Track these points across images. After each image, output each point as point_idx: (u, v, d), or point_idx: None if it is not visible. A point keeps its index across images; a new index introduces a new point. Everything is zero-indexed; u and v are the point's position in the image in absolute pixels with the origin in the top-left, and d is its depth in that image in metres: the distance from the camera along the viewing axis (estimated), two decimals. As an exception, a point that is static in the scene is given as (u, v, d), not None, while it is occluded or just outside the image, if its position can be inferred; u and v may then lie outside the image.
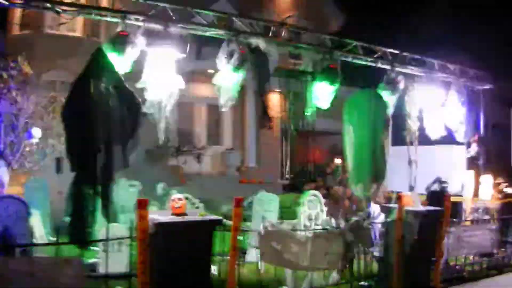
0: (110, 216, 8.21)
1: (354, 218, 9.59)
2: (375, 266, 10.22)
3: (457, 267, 11.06)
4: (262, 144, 20.26)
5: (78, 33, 14.99)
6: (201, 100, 19.25)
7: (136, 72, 8.62)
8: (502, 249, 12.45)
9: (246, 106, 19.20)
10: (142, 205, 6.86)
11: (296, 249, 8.51)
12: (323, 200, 11.99)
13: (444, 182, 12.95)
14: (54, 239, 9.81)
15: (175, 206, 7.64)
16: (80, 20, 14.35)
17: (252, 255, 10.16)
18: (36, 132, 12.94)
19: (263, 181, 19.06)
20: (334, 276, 9.35)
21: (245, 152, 20.20)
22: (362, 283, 9.61)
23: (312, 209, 11.78)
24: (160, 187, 13.35)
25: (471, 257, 11.63)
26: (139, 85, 8.71)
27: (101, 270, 8.94)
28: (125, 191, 12.14)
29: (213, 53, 12.24)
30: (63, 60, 14.65)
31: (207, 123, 20.13)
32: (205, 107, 19.91)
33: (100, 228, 8.73)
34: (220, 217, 7.87)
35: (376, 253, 10.40)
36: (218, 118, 20.50)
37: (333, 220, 9.70)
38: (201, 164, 17.76)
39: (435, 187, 12.84)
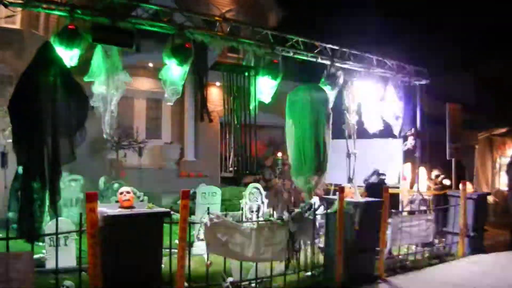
0: (57, 210, 8.18)
1: (296, 210, 9.80)
2: (320, 257, 10.46)
3: (400, 257, 11.45)
4: (201, 138, 20.35)
5: (17, 25, 14.64)
6: (140, 93, 19.19)
7: (83, 66, 8.62)
8: (443, 239, 12.98)
9: (186, 100, 19.21)
10: (91, 198, 6.90)
11: (241, 240, 8.69)
12: (264, 193, 12.18)
13: (382, 174, 13.36)
14: (-2, 235, 9.76)
15: (123, 199, 7.69)
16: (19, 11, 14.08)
17: (198, 248, 10.30)
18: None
19: (202, 175, 19.20)
20: (280, 266, 9.52)
21: (184, 145, 20.23)
22: (307, 273, 9.81)
23: (253, 202, 11.99)
24: (102, 181, 13.31)
25: (413, 247, 12.05)
26: (86, 78, 8.73)
27: (48, 265, 8.91)
28: (67, 186, 12.08)
29: (153, 47, 12.29)
30: (1, 52, 14.36)
31: (146, 116, 20.06)
32: (145, 100, 19.84)
33: (45, 223, 8.69)
34: (168, 209, 7.96)
35: (320, 244, 10.67)
36: (157, 112, 20.47)
37: (275, 212, 9.86)
38: (141, 157, 17.70)
39: (373, 179, 13.24)
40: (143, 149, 17.82)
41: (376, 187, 12.08)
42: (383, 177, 13.30)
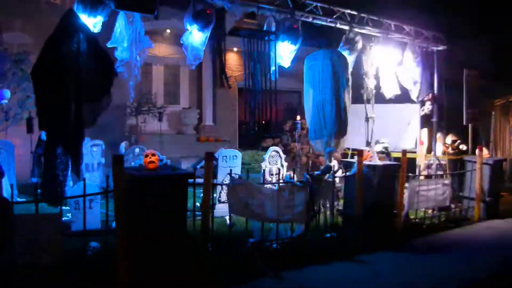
0: (80, 174, 8.37)
1: (316, 172, 9.94)
2: (339, 219, 10.62)
3: (416, 220, 11.58)
4: (220, 103, 20.49)
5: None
6: (158, 59, 19.31)
7: (106, 32, 8.75)
8: (459, 203, 13.09)
9: (204, 65, 19.30)
10: (117, 160, 7.05)
11: (262, 202, 8.82)
12: (283, 156, 12.33)
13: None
14: (23, 200, 10.00)
15: (148, 161, 7.83)
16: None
17: (220, 210, 10.51)
18: (6, 93, 12.86)
19: (220, 139, 19.39)
20: (300, 228, 9.70)
21: (202, 111, 20.37)
22: (327, 235, 9.97)
23: (273, 165, 12.14)
24: (123, 146, 13.47)
25: (429, 211, 12.20)
26: (109, 44, 8.88)
27: (73, 228, 9.11)
28: (89, 151, 12.28)
29: (171, 13, 12.37)
30: (21, 22, 14.46)
31: (164, 82, 20.18)
32: (163, 66, 19.95)
33: (68, 187, 8.87)
34: (191, 171, 8.11)
35: (339, 207, 10.83)
36: (175, 78, 20.59)
37: (294, 175, 10.00)
38: (161, 122, 17.88)
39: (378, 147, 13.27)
40: (162, 114, 17.96)
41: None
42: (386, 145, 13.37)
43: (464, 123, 14.30)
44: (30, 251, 6.28)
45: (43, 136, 10.95)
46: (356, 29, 11.93)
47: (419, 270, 8.80)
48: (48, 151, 8.33)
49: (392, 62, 12.89)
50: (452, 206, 12.75)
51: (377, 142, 13.29)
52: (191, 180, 7.98)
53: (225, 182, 8.96)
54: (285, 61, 11.37)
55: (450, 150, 14.79)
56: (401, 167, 10.61)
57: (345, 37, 11.81)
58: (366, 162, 10.28)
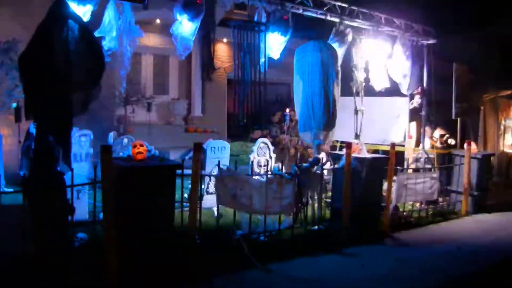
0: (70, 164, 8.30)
1: (305, 165, 9.95)
2: (327, 211, 10.65)
3: (404, 213, 11.65)
4: (209, 94, 20.42)
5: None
6: (147, 49, 19.19)
7: (95, 21, 8.67)
8: (447, 197, 13.17)
9: (193, 56, 19.21)
10: (106, 150, 7.02)
11: (250, 193, 8.84)
12: (272, 148, 12.32)
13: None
14: (10, 190, 9.93)
15: (137, 151, 7.82)
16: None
17: (207, 201, 10.49)
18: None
19: (209, 131, 19.34)
20: (288, 220, 9.75)
21: (191, 101, 20.32)
22: (314, 227, 10.02)
23: (262, 156, 12.13)
24: (111, 136, 13.41)
25: (417, 205, 12.29)
26: (97, 34, 8.80)
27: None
28: (77, 141, 12.20)
29: (161, 3, 12.29)
30: (10, 10, 14.31)
31: (153, 72, 20.09)
32: (152, 56, 19.86)
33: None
34: (179, 162, 8.10)
35: (327, 199, 10.86)
36: (164, 68, 20.50)
37: (283, 167, 10.02)
38: (149, 113, 17.82)
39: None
40: (151, 105, 17.91)
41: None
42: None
43: (453, 117, 14.33)
44: (16, 241, 6.24)
45: (32, 129, 10.87)
46: (346, 22, 11.89)
47: (405, 262, 8.85)
48: (36, 141, 8.23)
49: (382, 55, 12.89)
50: (440, 200, 12.83)
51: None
52: (179, 171, 7.94)
53: (213, 173, 8.93)
54: (274, 53, 11.34)
55: (438, 144, 14.86)
56: (390, 160, 10.63)
57: (335, 30, 11.79)
58: (354, 155, 10.30)
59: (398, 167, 11.36)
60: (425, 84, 14.26)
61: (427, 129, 14.82)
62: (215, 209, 9.38)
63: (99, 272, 6.78)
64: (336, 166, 10.40)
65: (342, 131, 12.34)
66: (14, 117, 12.67)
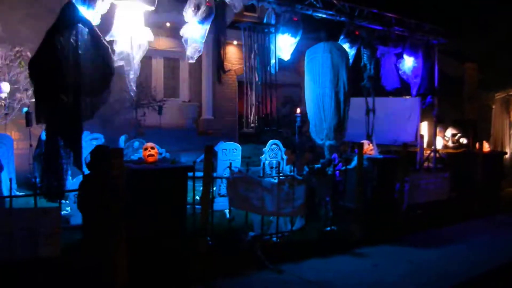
0: (81, 168, 8.31)
1: (317, 166, 9.92)
2: (339, 213, 10.61)
3: (417, 213, 11.59)
4: (219, 96, 20.45)
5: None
6: (158, 53, 19.25)
7: (105, 25, 8.70)
8: (460, 197, 13.05)
9: (203, 58, 19.27)
10: (116, 153, 7.01)
11: (262, 195, 8.81)
12: (283, 149, 12.29)
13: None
14: (22, 193, 9.97)
15: (148, 154, 7.82)
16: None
17: (219, 203, 10.48)
18: (5, 86, 12.80)
19: (220, 133, 19.36)
20: (300, 221, 9.71)
21: (202, 104, 20.35)
22: (327, 228, 9.96)
23: (273, 158, 12.09)
24: (122, 140, 13.42)
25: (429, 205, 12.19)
26: (108, 37, 8.82)
27: (73, 222, 9.12)
28: (88, 144, 12.22)
29: (171, 6, 12.30)
30: (20, 14, 14.39)
31: (164, 76, 20.15)
32: (162, 60, 19.91)
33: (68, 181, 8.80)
34: (191, 164, 8.09)
35: (339, 201, 10.80)
36: (174, 71, 20.55)
37: (295, 169, 9.97)
38: (160, 116, 17.86)
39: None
40: (162, 108, 17.94)
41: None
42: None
43: (464, 117, 14.28)
44: (29, 244, 6.26)
45: (43, 136, 10.91)
46: (356, 23, 11.87)
47: (419, 263, 8.79)
48: (47, 145, 8.27)
49: (392, 55, 12.86)
50: (452, 199, 12.72)
51: None
52: (190, 173, 7.94)
53: (224, 176, 8.92)
54: (285, 54, 11.35)
55: (450, 144, 14.78)
56: (401, 161, 10.58)
57: (345, 30, 11.78)
58: (366, 155, 10.26)
59: (410, 167, 11.28)
60: (435, 84, 14.19)
61: (439, 129, 14.76)
62: (227, 211, 9.36)
63: (110, 274, 6.77)
64: (348, 166, 10.35)
65: (353, 132, 12.30)
66: (25, 121, 12.73)
